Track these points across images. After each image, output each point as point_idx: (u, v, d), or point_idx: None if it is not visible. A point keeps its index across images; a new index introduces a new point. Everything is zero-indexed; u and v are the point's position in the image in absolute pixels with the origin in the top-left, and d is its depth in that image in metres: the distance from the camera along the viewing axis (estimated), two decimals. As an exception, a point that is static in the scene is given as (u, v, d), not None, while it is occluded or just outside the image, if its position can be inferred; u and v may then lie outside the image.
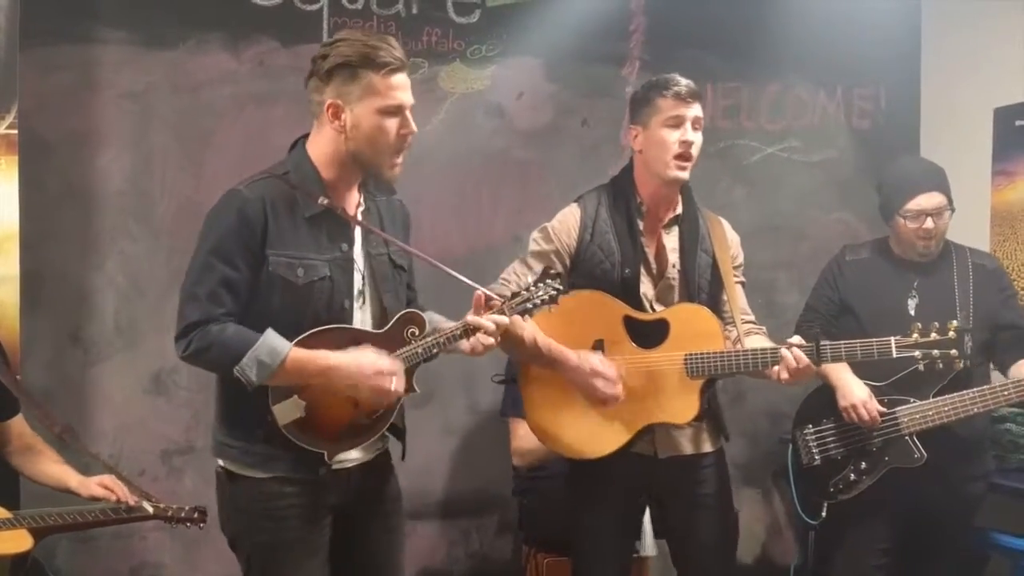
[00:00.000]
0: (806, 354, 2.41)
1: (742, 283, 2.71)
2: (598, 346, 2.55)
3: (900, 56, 4.16)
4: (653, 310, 2.59)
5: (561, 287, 2.23)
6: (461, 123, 3.66)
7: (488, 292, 2.19)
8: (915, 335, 2.46)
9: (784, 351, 2.42)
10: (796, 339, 2.45)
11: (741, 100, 4.00)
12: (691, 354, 2.49)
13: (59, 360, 3.29)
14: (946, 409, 2.83)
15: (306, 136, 2.23)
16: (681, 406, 2.50)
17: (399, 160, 2.16)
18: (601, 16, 3.78)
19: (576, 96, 3.82)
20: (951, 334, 2.44)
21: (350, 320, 2.18)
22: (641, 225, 2.61)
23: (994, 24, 3.82)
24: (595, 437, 2.54)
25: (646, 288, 2.59)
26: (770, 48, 3.96)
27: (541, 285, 2.22)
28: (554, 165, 3.80)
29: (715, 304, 2.62)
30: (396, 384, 2.10)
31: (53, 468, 2.70)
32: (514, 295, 2.21)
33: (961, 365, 2.48)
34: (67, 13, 3.26)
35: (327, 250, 2.15)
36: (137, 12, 3.33)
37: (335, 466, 2.17)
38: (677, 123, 2.53)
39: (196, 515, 2.75)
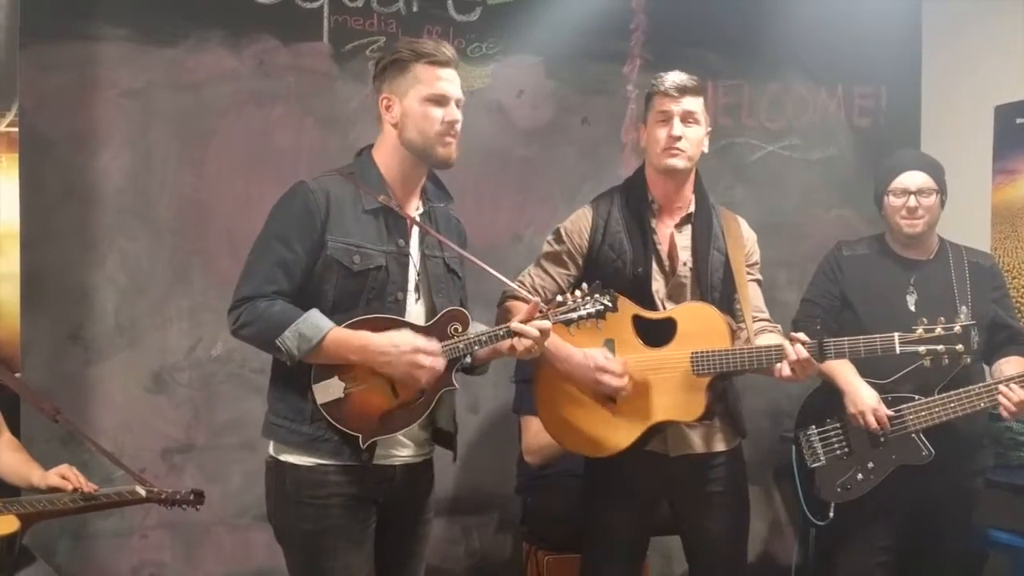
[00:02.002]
0: (809, 351, 2.41)
1: (757, 281, 2.71)
2: (608, 345, 2.58)
3: (901, 54, 4.16)
4: (665, 308, 2.60)
5: (610, 304, 2.24)
6: (461, 121, 3.65)
7: (541, 302, 2.26)
8: (920, 330, 2.42)
9: (788, 347, 2.41)
10: (800, 335, 2.44)
11: (742, 98, 4.00)
12: (697, 352, 2.50)
13: (59, 359, 3.29)
14: (952, 405, 2.83)
15: (371, 147, 2.35)
16: (688, 404, 2.51)
17: (450, 142, 2.26)
18: (602, 14, 3.77)
19: (577, 94, 3.82)
20: (957, 329, 2.40)
21: (403, 313, 2.26)
22: (654, 223, 2.63)
23: (995, 22, 3.82)
24: (606, 435, 2.56)
25: (658, 286, 2.61)
26: (770, 46, 3.97)
27: (589, 299, 2.24)
28: (554, 163, 3.79)
29: (728, 302, 2.63)
30: (432, 363, 2.16)
31: (16, 461, 2.69)
32: (560, 303, 2.24)
33: (968, 360, 2.43)
34: (67, 11, 3.26)
35: (384, 243, 2.26)
36: (137, 10, 3.33)
37: (380, 460, 2.24)
38: (666, 118, 2.57)
39: (192, 497, 2.72)
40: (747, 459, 3.91)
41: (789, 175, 4.08)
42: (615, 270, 2.59)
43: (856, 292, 3.04)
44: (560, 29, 3.71)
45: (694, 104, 2.58)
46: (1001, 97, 3.75)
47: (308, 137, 3.51)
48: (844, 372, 2.93)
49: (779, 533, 4.06)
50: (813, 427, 3.04)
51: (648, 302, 2.59)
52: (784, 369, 2.42)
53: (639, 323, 2.57)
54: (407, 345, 2.16)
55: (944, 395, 2.84)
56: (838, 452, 2.98)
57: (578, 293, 2.25)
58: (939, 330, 2.41)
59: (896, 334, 2.44)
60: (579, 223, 2.68)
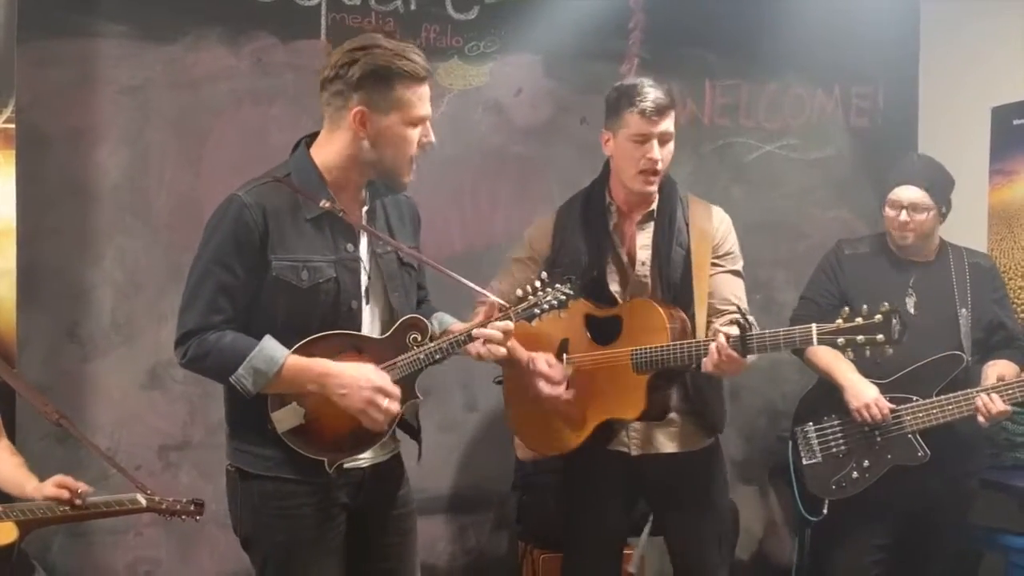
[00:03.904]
0: (732, 345, 2.33)
1: (734, 271, 2.64)
2: (564, 345, 2.60)
3: (898, 55, 4.16)
4: None
5: (571, 292, 2.18)
6: (459, 120, 3.66)
7: (500, 301, 2.19)
8: (839, 321, 2.26)
9: (712, 343, 2.37)
10: (724, 329, 2.38)
11: (739, 98, 4.00)
12: (636, 349, 2.49)
13: (56, 355, 3.28)
14: (950, 407, 2.84)
15: (309, 137, 2.22)
16: (629, 401, 2.50)
17: (414, 166, 2.17)
18: (600, 13, 3.77)
19: (575, 93, 3.81)
20: (877, 318, 2.21)
21: (358, 321, 2.17)
22: (611, 225, 2.63)
23: (992, 23, 3.82)
24: (558, 434, 2.60)
25: (617, 287, 2.61)
26: (769, 46, 3.96)
27: (549, 290, 2.18)
28: (552, 162, 3.79)
29: (691, 298, 2.58)
30: (389, 405, 2.09)
31: (10, 469, 2.65)
32: (520, 300, 2.18)
33: (890, 351, 2.26)
34: (65, 7, 3.25)
35: (332, 251, 2.14)
36: (136, 6, 3.32)
37: (347, 465, 2.17)
38: (643, 140, 2.52)
39: (192, 507, 2.72)
40: (743, 459, 3.96)
41: (786, 175, 4.08)
42: (572, 273, 2.53)
43: (856, 291, 3.04)
44: (559, 28, 3.71)
45: (670, 123, 2.54)
46: (998, 98, 3.75)
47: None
48: (841, 369, 2.94)
49: (775, 533, 4.07)
50: (811, 424, 3.05)
51: (610, 303, 2.60)
52: (708, 364, 2.38)
53: (591, 322, 2.58)
54: (367, 382, 2.06)
55: (942, 397, 2.85)
56: (834, 450, 2.98)
57: (537, 284, 2.19)
58: (859, 320, 2.24)
59: (814, 325, 2.30)
60: (542, 229, 2.70)
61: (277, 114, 3.48)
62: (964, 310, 2.96)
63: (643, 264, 2.60)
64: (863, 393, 2.89)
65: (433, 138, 2.18)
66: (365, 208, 2.23)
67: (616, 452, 2.60)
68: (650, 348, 2.47)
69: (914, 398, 2.88)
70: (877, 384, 2.91)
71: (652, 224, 2.62)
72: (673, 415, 2.60)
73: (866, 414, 2.88)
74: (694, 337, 2.50)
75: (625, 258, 2.62)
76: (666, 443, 2.61)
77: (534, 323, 2.21)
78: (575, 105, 3.82)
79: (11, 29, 2.96)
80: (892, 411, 2.88)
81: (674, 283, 2.58)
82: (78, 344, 3.32)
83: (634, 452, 2.61)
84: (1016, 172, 3.70)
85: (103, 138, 3.32)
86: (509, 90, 3.75)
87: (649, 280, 2.60)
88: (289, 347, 2.09)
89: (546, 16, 3.71)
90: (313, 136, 2.22)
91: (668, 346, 2.45)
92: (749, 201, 3.94)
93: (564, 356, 2.59)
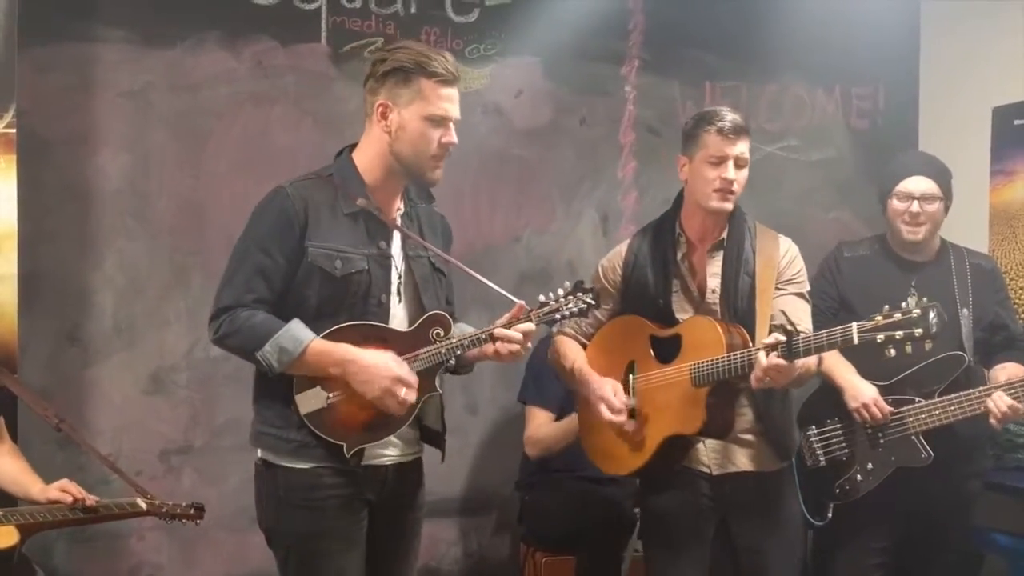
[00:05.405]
0: (780, 352, 2.35)
1: (799, 295, 2.66)
2: (631, 367, 2.64)
3: (899, 55, 4.17)
4: None
5: (592, 301, 2.24)
6: (460, 122, 3.65)
7: (523, 304, 2.23)
8: (878, 317, 2.26)
9: (760, 352, 2.38)
10: (772, 336, 2.39)
11: (740, 99, 3.99)
12: (695, 363, 2.52)
13: (57, 360, 3.28)
14: (952, 408, 2.83)
15: (352, 146, 2.32)
16: (689, 416, 2.52)
17: (441, 164, 2.25)
18: (600, 15, 3.78)
19: (575, 95, 3.82)
20: (915, 312, 2.22)
21: (387, 315, 2.25)
22: (679, 254, 2.66)
23: (993, 23, 3.82)
24: (626, 453, 2.64)
25: (685, 315, 2.63)
26: (769, 47, 3.97)
27: (571, 298, 2.23)
28: (553, 164, 3.80)
29: (752, 319, 2.59)
30: (407, 395, 2.15)
31: (15, 469, 2.68)
32: (542, 304, 2.23)
33: (929, 346, 2.27)
34: (66, 12, 3.26)
35: (365, 246, 2.23)
36: (135, 11, 3.33)
37: (372, 461, 2.24)
38: (719, 160, 2.56)
39: (192, 511, 2.73)
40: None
41: (787, 176, 4.08)
42: (643, 302, 2.65)
43: (856, 293, 3.03)
44: (558, 30, 3.72)
45: (746, 146, 2.58)
46: (999, 98, 3.75)
47: (306, 138, 3.50)
48: (840, 370, 2.93)
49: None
50: (813, 428, 3.04)
51: None
52: (756, 371, 2.39)
53: (655, 341, 2.62)
54: (387, 370, 2.14)
55: (944, 398, 2.84)
56: (838, 453, 2.98)
57: (560, 292, 2.25)
58: (897, 315, 2.24)
59: (854, 323, 2.31)
60: (614, 259, 2.75)
61: (278, 117, 3.49)
62: (965, 310, 2.95)
63: (713, 292, 2.64)
64: (862, 393, 2.88)
65: (455, 139, 2.24)
66: (400, 213, 2.32)
67: (696, 471, 2.62)
68: (706, 361, 2.50)
69: (916, 399, 2.88)
70: (879, 385, 2.90)
71: (721, 253, 2.65)
72: (749, 436, 2.62)
73: (865, 414, 2.87)
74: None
75: (694, 287, 2.65)
76: (744, 462, 2.62)
77: (554, 328, 2.29)
78: (575, 107, 3.83)
79: (11, 34, 2.96)
80: (894, 412, 2.87)
81: (740, 309, 2.61)
82: (79, 348, 3.32)
83: (715, 472, 2.62)
84: (1017, 172, 3.70)
85: (104, 142, 3.32)
86: (509, 92, 3.75)
87: (718, 308, 2.63)
88: (319, 334, 2.16)
89: (546, 18, 3.71)
90: (356, 145, 2.32)
91: (721, 357, 2.48)
92: (750, 203, 3.85)
93: (631, 376, 2.64)
